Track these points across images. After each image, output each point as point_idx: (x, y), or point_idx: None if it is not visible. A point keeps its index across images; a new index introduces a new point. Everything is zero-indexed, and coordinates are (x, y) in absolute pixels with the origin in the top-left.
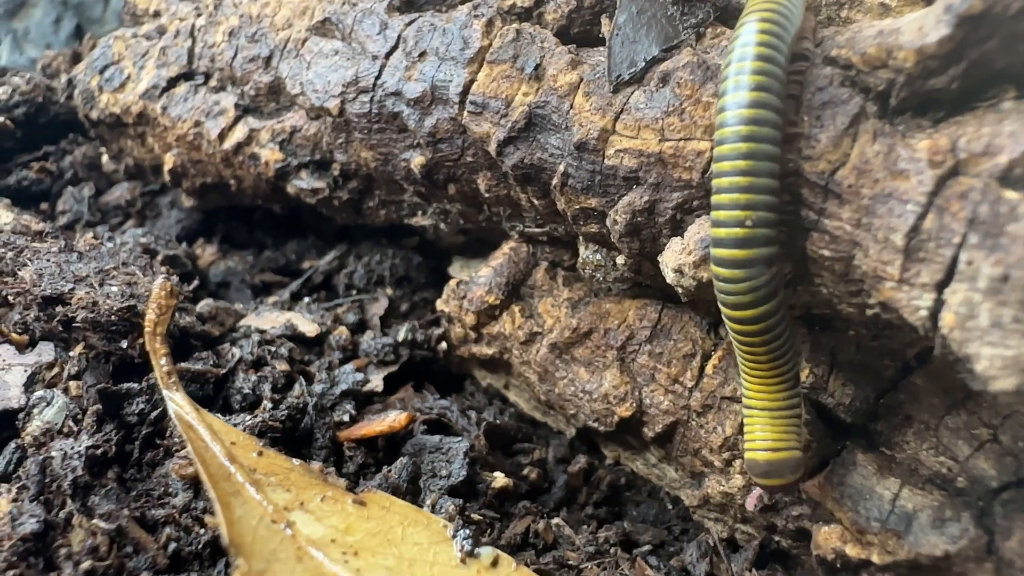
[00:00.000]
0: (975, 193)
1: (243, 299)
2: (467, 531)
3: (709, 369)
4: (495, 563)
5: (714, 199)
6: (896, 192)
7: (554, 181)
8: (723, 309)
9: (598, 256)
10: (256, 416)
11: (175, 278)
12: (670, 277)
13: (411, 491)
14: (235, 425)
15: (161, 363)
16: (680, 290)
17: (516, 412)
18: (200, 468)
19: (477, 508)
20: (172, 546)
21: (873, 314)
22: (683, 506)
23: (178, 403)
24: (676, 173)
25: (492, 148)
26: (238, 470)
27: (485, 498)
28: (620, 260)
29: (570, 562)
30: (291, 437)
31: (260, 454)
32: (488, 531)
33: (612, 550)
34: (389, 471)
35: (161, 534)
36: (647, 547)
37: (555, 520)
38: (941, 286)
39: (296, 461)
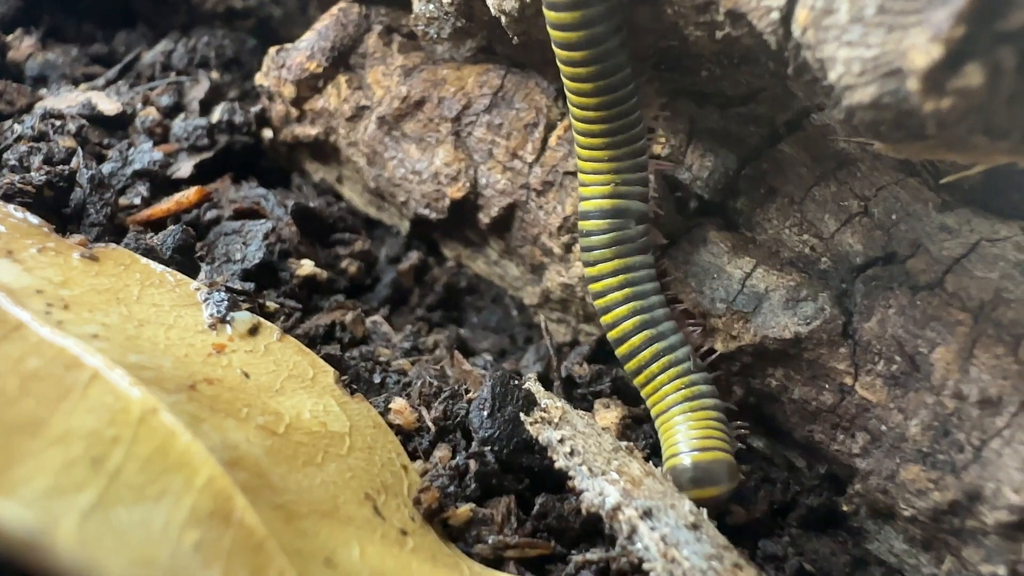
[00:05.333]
0: None
1: None
2: (222, 295)
3: (553, 140)
4: (254, 331)
5: None
6: None
7: None
8: (549, 16)
9: (431, 7)
10: (2, 177)
11: None
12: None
13: (184, 268)
14: None
15: None
16: (504, 19)
17: (349, 208)
18: None
19: (275, 296)
20: None
21: (723, 36)
22: (528, 313)
23: None
24: None
25: None
26: None
27: (287, 287)
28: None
29: (381, 358)
30: (57, 211)
31: None
32: (283, 319)
33: (436, 351)
34: (150, 237)
35: None
36: (486, 355)
37: (373, 317)
38: None
39: (15, 209)
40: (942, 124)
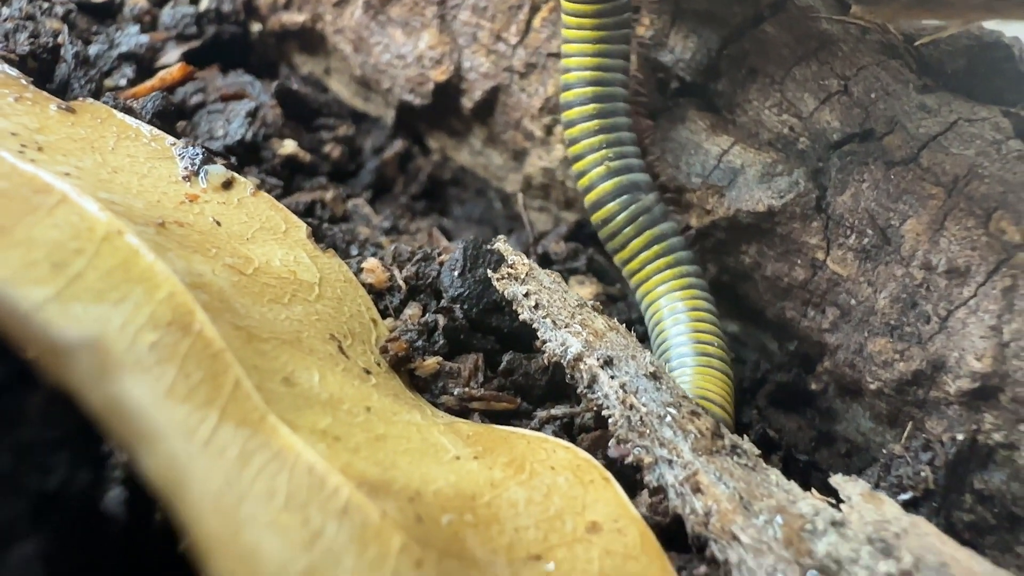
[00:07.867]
0: None
1: None
2: (197, 150)
3: (536, 22)
4: (227, 185)
5: None
6: None
7: None
8: None
9: None
10: None
11: None
12: None
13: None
14: None
15: None
16: None
17: (335, 99)
18: None
19: (257, 173)
20: None
21: None
22: (511, 205)
23: None
24: None
25: None
26: None
27: (269, 164)
28: None
29: (360, 236)
30: (41, 85)
31: None
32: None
33: (417, 235)
34: (133, 103)
35: None
36: None
37: (355, 200)
38: None
39: None
40: None
